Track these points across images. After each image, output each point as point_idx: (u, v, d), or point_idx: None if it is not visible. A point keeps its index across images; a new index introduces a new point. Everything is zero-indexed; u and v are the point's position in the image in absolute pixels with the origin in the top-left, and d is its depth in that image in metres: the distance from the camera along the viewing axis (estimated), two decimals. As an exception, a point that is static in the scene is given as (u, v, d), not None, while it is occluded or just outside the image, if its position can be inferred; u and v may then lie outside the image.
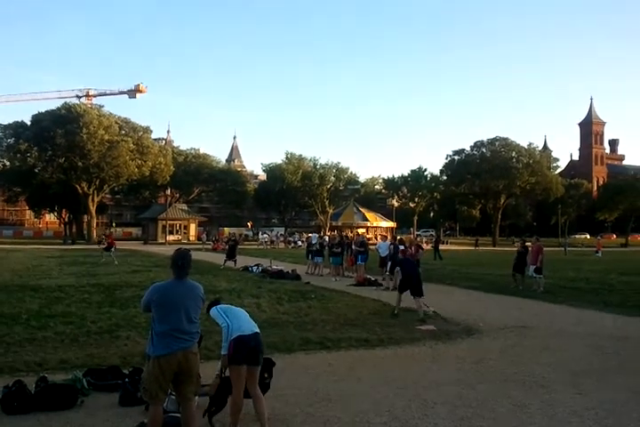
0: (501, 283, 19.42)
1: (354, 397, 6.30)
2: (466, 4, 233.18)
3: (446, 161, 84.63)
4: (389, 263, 17.10)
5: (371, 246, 22.52)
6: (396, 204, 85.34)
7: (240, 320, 5.19)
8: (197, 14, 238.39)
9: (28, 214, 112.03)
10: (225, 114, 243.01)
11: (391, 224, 75.26)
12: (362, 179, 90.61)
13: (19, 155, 60.24)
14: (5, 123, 63.20)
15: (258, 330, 5.23)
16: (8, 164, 64.51)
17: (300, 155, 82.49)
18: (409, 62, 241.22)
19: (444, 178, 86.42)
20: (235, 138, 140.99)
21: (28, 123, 62.14)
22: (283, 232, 72.81)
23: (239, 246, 30.82)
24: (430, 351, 8.76)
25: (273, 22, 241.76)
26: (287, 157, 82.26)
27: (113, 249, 28.58)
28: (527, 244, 19.59)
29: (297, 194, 79.88)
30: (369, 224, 73.30)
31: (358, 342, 9.10)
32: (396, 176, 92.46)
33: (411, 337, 9.66)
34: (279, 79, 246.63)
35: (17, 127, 62.39)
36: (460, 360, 8.14)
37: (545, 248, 18.64)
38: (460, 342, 9.53)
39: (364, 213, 74.84)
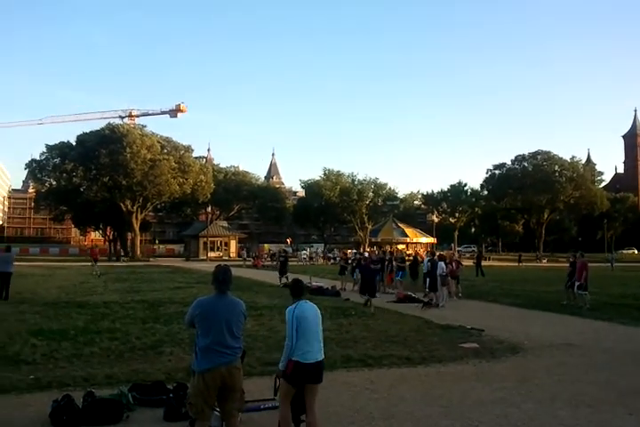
0: (546, 299, 18.97)
1: (397, 415, 6.24)
2: (512, 17, 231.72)
3: (487, 175, 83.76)
4: (428, 280, 16.98)
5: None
6: (435, 219, 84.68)
7: (307, 343, 5.05)
8: (236, 35, 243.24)
9: (74, 232, 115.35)
10: (264, 131, 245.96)
11: (431, 240, 74.51)
12: (401, 194, 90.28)
13: (65, 174, 62.18)
14: (52, 143, 65.40)
15: (322, 357, 5.16)
16: (54, 183, 66.50)
17: (339, 171, 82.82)
18: (446, 76, 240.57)
19: (485, 193, 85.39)
20: (273, 155, 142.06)
21: (74, 143, 64.09)
22: (322, 248, 72.86)
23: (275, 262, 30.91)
24: (474, 369, 8.62)
25: (309, 41, 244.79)
26: (325, 174, 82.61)
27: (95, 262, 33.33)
28: (574, 259, 18.81)
29: (336, 210, 79.95)
30: (408, 240, 72.71)
31: (400, 360, 9.01)
32: (435, 191, 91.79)
33: (453, 355, 9.52)
34: (317, 96, 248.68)
35: (63, 148, 64.41)
36: (504, 379, 7.98)
37: (590, 264, 18.15)
38: (504, 360, 9.34)
39: (403, 229, 74.34)
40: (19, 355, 8.94)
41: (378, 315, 14.53)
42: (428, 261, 18.78)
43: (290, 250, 76.96)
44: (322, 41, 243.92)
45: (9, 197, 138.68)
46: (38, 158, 65.76)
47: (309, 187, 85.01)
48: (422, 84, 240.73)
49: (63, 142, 65.06)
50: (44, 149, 65.31)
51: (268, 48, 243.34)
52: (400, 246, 63.51)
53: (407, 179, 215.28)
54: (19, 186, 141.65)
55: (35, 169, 66.44)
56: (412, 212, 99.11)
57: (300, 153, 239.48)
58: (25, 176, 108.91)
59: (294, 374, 5.00)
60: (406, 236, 73.17)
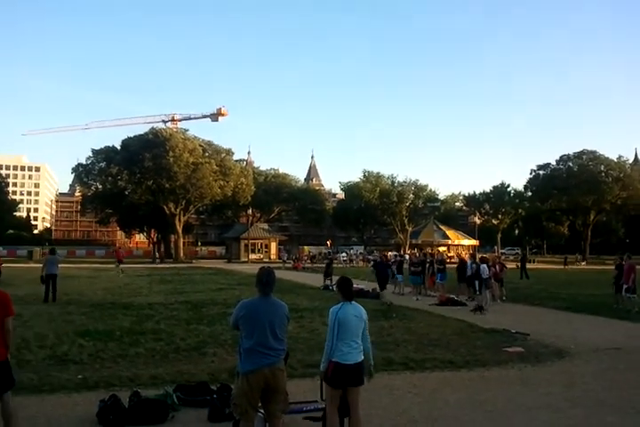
0: (593, 303, 18.47)
1: (440, 419, 6.17)
2: (560, 14, 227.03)
3: (531, 176, 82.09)
4: (477, 282, 16.74)
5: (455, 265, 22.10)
6: (478, 221, 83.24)
7: (347, 345, 5.03)
8: (275, 38, 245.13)
9: (119, 235, 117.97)
10: (303, 134, 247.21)
11: (473, 242, 73.34)
12: (442, 196, 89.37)
13: (110, 178, 63.66)
14: (97, 148, 67.12)
15: (361, 358, 5.12)
16: (100, 187, 68.15)
17: (378, 173, 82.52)
18: (488, 77, 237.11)
19: (529, 194, 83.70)
20: (312, 157, 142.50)
21: (119, 147, 65.63)
22: (362, 250, 72.63)
23: (315, 265, 31.05)
24: (519, 374, 8.45)
25: (349, 44, 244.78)
26: (365, 176, 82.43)
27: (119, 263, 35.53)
28: (621, 261, 18.21)
29: (375, 212, 79.66)
30: (450, 242, 71.71)
31: (443, 364, 8.91)
32: (477, 192, 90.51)
33: (497, 359, 9.36)
34: (355, 98, 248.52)
35: (108, 152, 66.02)
36: (550, 384, 7.80)
37: (639, 267, 17.57)
38: (549, 364, 9.13)
39: (444, 231, 73.37)
40: (67, 355, 9.18)
41: (420, 318, 14.40)
42: (472, 263, 18.52)
43: (330, 252, 77.38)
44: (360, 43, 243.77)
45: (56, 201, 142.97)
46: (84, 163, 67.62)
47: (349, 189, 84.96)
48: (465, 85, 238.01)
49: (108, 147, 66.70)
50: (90, 154, 67.19)
51: (308, 51, 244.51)
52: (441, 249, 62.80)
53: (448, 180, 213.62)
54: (66, 190, 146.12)
55: (81, 173, 68.28)
56: (454, 213, 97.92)
57: (340, 155, 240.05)
58: (72, 180, 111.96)
59: (334, 376, 4.99)
60: (448, 238, 72.18)
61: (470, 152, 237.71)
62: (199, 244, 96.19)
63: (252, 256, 64.47)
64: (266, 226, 76.56)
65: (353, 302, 5.24)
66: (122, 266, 36.60)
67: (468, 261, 20.04)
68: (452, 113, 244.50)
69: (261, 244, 70.45)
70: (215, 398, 6.23)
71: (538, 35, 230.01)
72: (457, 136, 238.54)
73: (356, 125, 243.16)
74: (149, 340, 10.62)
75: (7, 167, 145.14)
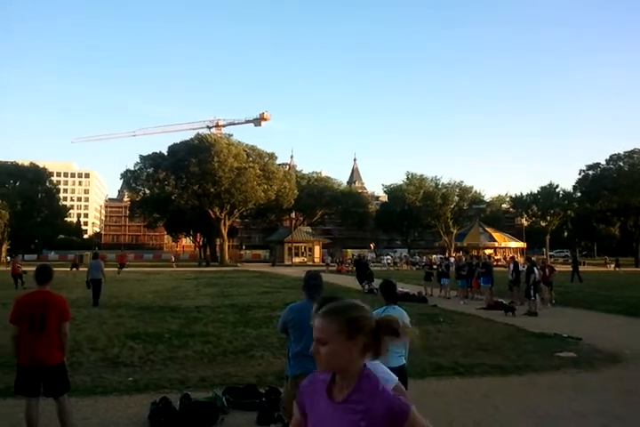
0: (647, 306, 17.84)
1: (492, 426, 6.04)
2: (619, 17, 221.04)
3: (579, 176, 79.79)
4: (527, 286, 16.41)
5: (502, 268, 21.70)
6: (525, 223, 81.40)
7: (390, 349, 5.02)
8: (316, 43, 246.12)
9: (166, 239, 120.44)
10: (345, 137, 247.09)
11: (521, 245, 71.81)
12: (487, 197, 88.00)
13: (157, 183, 65.11)
14: (145, 154, 68.74)
15: (403, 362, 5.07)
16: (148, 192, 69.69)
17: (422, 175, 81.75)
18: (537, 76, 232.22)
19: (578, 194, 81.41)
20: (355, 160, 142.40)
21: (165, 153, 66.98)
22: (406, 253, 72.08)
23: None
24: (572, 380, 8.21)
25: (390, 46, 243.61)
26: (408, 178, 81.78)
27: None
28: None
29: (419, 214, 78.92)
30: (496, 245, 70.44)
31: (493, 369, 8.73)
32: (524, 194, 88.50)
33: (549, 364, 9.12)
34: (397, 101, 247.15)
35: (155, 158, 67.48)
36: (605, 390, 7.55)
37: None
38: (603, 370, 8.84)
39: (490, 234, 72.13)
40: (118, 357, 9.39)
41: (467, 322, 14.18)
42: (515, 265, 18.18)
43: (373, 255, 77.08)
44: (402, 46, 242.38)
45: (106, 206, 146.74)
46: (133, 169, 69.29)
47: (392, 191, 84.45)
48: (513, 83, 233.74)
49: (156, 153, 68.17)
50: (138, 160, 68.84)
51: (348, 55, 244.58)
52: (488, 251, 61.73)
53: (494, 182, 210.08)
54: (114, 195, 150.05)
55: (129, 179, 69.99)
56: (500, 215, 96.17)
57: (382, 158, 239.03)
58: (120, 186, 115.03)
59: None
60: (494, 240, 70.92)
61: (517, 153, 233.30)
62: (244, 247, 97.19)
63: (296, 259, 64.76)
64: (309, 229, 76.81)
65: (396, 306, 5.19)
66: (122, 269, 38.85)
67: (512, 264, 19.68)
68: (496, 113, 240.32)
69: (305, 247, 70.70)
70: (264, 402, 6.26)
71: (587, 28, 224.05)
72: (503, 136, 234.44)
73: (399, 127, 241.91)
74: (198, 342, 10.76)
75: (58, 174, 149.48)
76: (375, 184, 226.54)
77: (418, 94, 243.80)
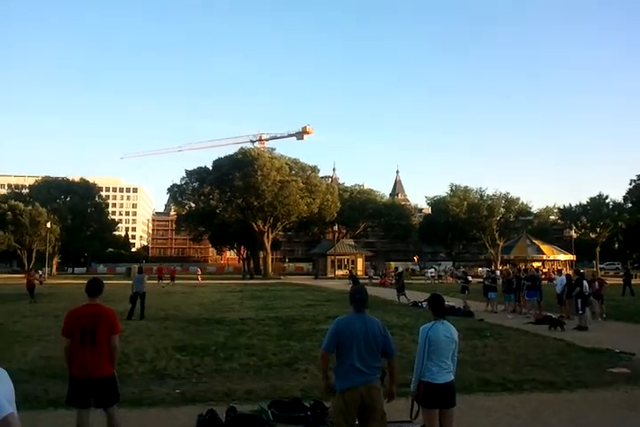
0: None
1: (542, 444, 5.86)
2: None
3: (630, 187, 77.60)
4: (580, 301, 15.91)
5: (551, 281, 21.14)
6: (574, 235, 79.35)
7: (437, 364, 4.94)
8: (358, 56, 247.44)
9: (211, 251, 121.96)
10: (387, 149, 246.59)
11: (570, 257, 69.96)
12: (534, 209, 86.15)
13: (202, 197, 66.31)
14: (191, 169, 70.07)
15: (452, 378, 5.01)
16: (193, 206, 71.00)
17: (466, 186, 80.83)
18: (582, 82, 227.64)
19: (629, 205, 79.01)
20: (397, 172, 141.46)
21: (210, 168, 68.15)
22: (450, 266, 71.07)
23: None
24: (625, 397, 7.90)
25: (432, 56, 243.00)
26: (452, 190, 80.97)
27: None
28: None
29: (464, 227, 77.86)
30: (544, 257, 68.80)
31: (542, 385, 8.48)
32: (573, 205, 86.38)
33: (601, 380, 8.81)
34: (440, 111, 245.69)
35: (200, 172, 68.76)
36: (661, 408, 7.24)
37: None
38: (659, 387, 8.48)
39: (538, 246, 70.51)
40: (165, 369, 9.53)
41: (515, 337, 13.85)
42: (570, 279, 17.68)
43: (417, 268, 76.33)
44: (445, 56, 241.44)
45: (153, 220, 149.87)
46: (179, 183, 70.74)
47: (435, 203, 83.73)
48: (556, 92, 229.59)
49: (201, 167, 69.50)
50: (184, 175, 70.29)
51: (391, 66, 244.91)
52: (535, 264, 60.34)
53: (541, 193, 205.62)
54: (161, 209, 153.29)
55: (176, 193, 71.48)
56: (548, 227, 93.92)
57: (425, 170, 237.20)
58: (167, 200, 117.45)
59: (426, 396, 4.90)
60: (542, 253, 69.28)
61: (565, 163, 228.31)
62: (287, 260, 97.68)
63: (339, 272, 64.67)
64: (352, 242, 76.67)
65: (445, 320, 5.13)
66: (162, 282, 40.29)
67: (562, 277, 19.17)
68: (544, 122, 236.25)
69: (348, 260, 70.55)
70: (309, 415, 6.24)
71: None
72: (551, 146, 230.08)
73: (441, 139, 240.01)
74: (243, 355, 10.83)
75: (107, 189, 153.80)
76: (418, 196, 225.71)
77: (461, 103, 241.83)
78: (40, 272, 57.08)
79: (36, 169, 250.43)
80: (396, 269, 49.00)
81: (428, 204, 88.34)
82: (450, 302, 22.58)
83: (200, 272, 62.86)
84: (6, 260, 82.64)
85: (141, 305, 17.80)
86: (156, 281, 38.14)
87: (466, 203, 76.79)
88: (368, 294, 4.97)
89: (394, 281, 28.95)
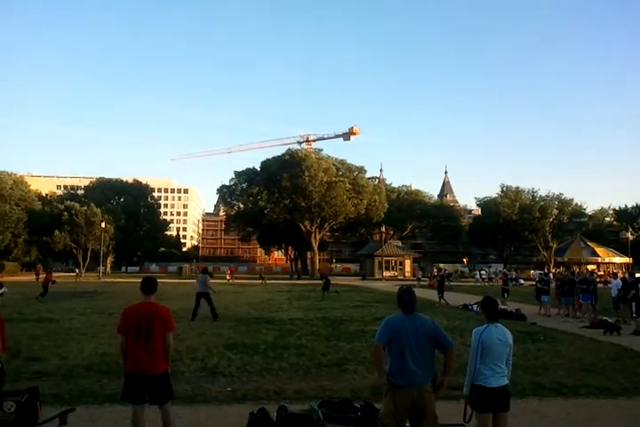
0: None
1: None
2: None
3: (691, 187, 74.57)
4: (634, 304, 15.39)
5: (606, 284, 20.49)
6: (630, 237, 76.72)
7: (490, 368, 4.87)
8: (401, 56, 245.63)
9: (259, 252, 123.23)
10: (435, 149, 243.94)
11: (625, 260, 67.66)
12: (589, 210, 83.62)
13: (251, 198, 67.13)
14: (239, 170, 71.10)
15: (506, 382, 4.93)
16: (242, 206, 71.92)
17: (517, 187, 79.27)
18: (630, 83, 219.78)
19: (690, 205, 75.91)
20: (446, 173, 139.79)
21: (258, 169, 68.92)
22: (501, 268, 69.74)
23: (452, 283, 30.40)
24: (687, 405, 7.60)
25: (480, 57, 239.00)
26: (502, 190, 79.52)
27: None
28: None
29: (515, 228, 76.29)
30: (599, 260, 66.82)
31: (598, 390, 8.24)
32: (629, 206, 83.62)
33: (661, 387, 8.49)
34: (487, 113, 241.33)
35: (249, 173, 69.70)
36: None
37: None
38: None
39: (593, 248, 68.55)
40: (217, 367, 9.67)
41: (570, 341, 13.50)
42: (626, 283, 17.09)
43: (466, 270, 75.20)
44: (490, 55, 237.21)
45: (203, 220, 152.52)
46: (228, 184, 71.84)
47: (485, 204, 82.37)
48: (615, 91, 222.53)
49: (249, 168, 70.44)
50: (233, 176, 71.33)
51: (437, 65, 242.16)
52: (590, 267, 58.62)
53: (596, 194, 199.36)
54: (211, 210, 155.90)
55: (225, 194, 72.64)
56: (603, 229, 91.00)
57: (475, 170, 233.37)
58: (216, 200, 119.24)
59: (479, 400, 4.83)
60: (597, 255, 67.32)
61: (621, 163, 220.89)
62: (334, 260, 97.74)
63: (387, 273, 64.34)
64: (399, 243, 76.19)
65: (498, 324, 5.05)
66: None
67: (617, 280, 18.55)
68: (596, 123, 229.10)
69: (395, 261, 70.11)
70: (359, 416, 6.23)
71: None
72: (606, 146, 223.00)
73: (491, 139, 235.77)
74: (292, 355, 10.91)
75: (159, 190, 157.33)
76: (467, 197, 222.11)
77: (511, 104, 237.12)
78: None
79: (90, 170, 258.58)
80: (440, 270, 48.40)
81: (478, 205, 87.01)
82: (501, 305, 22.24)
83: (229, 271, 60.78)
84: (62, 259, 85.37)
85: (210, 306, 17.24)
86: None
87: (518, 204, 75.29)
88: (416, 295, 4.94)
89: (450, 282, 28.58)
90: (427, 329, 4.71)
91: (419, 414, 4.56)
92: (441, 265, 76.59)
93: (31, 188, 74.80)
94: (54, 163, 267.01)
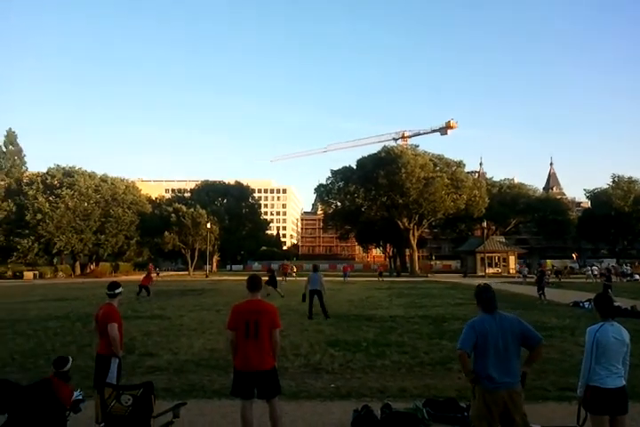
0: None
1: None
2: None
3: None
4: None
5: None
6: None
7: (605, 368, 4.63)
8: (494, 48, 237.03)
9: (357, 249, 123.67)
10: (538, 140, 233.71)
11: None
12: None
13: (348, 196, 67.40)
14: (336, 169, 71.62)
15: (623, 383, 4.65)
16: (339, 204, 72.42)
17: (630, 177, 74.43)
18: None
19: None
20: (551, 164, 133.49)
21: (354, 167, 69.13)
22: (614, 264, 65.71)
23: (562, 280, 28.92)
24: None
25: (582, 44, 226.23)
26: (614, 181, 75.03)
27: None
28: None
29: (629, 221, 71.67)
30: None
31: None
32: None
33: None
34: (594, 97, 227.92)
35: (345, 172, 70.05)
36: None
37: None
38: None
39: None
40: (319, 364, 9.79)
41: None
42: None
43: (576, 266, 71.51)
44: (593, 41, 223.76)
45: (301, 219, 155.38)
46: (325, 183, 72.62)
47: (596, 196, 78.04)
48: None
49: (345, 167, 70.80)
50: (330, 174, 71.94)
51: (532, 54, 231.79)
52: None
53: None
54: (309, 208, 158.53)
55: (322, 192, 73.43)
56: None
57: (583, 161, 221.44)
58: (314, 199, 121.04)
59: (594, 401, 4.58)
60: None
61: None
62: (433, 257, 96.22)
63: (489, 270, 62.39)
64: (502, 239, 73.64)
65: (614, 322, 4.75)
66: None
67: None
68: None
69: (498, 257, 67.87)
70: (466, 416, 6.11)
71: None
72: None
73: (599, 127, 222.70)
74: (394, 352, 10.83)
75: (259, 191, 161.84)
76: (576, 189, 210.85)
77: (617, 88, 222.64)
78: (157, 269, 62.43)
79: (196, 174, 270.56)
80: (539, 265, 46.30)
81: (587, 197, 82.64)
82: (616, 302, 20.93)
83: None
84: (172, 258, 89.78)
85: (321, 303, 17.30)
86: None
87: (632, 196, 70.73)
88: (495, 293, 4.77)
89: (549, 279, 27.33)
90: (513, 328, 4.55)
91: (509, 415, 4.42)
92: (549, 261, 73.41)
93: (142, 192, 79.22)
94: (162, 167, 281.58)
